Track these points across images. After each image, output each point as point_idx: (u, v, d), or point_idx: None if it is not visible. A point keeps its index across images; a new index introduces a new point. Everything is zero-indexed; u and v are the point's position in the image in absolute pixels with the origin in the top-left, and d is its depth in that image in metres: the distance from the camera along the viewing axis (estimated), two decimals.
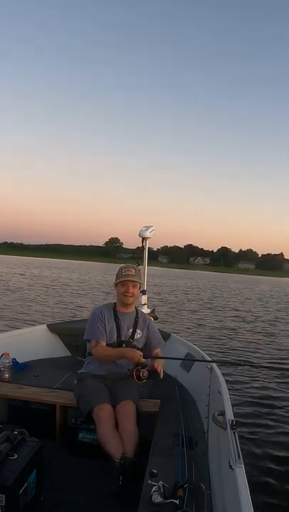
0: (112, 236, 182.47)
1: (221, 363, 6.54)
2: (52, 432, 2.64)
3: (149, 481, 1.68)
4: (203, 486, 1.69)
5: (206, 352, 3.48)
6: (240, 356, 7.26)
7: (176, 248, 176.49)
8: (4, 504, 1.63)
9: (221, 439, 1.90)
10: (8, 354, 3.07)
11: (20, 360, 3.33)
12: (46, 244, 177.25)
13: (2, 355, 3.06)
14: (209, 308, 16.35)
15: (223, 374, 2.73)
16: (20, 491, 1.71)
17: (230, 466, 1.53)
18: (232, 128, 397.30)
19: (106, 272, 41.70)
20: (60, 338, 4.02)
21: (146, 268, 4.39)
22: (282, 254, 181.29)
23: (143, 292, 4.22)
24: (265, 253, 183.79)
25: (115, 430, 2.32)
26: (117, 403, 2.45)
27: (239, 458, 1.54)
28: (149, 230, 4.32)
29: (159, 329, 3.13)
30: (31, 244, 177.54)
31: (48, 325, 4.11)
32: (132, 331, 2.75)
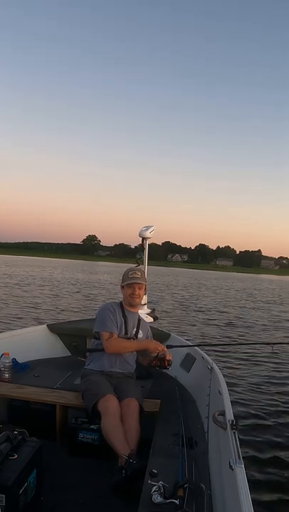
0: (90, 234, 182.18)
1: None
2: (52, 432, 2.64)
3: (149, 481, 1.68)
4: (203, 486, 1.69)
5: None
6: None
7: (154, 245, 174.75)
8: (4, 504, 1.63)
9: (221, 439, 1.89)
10: (8, 354, 3.07)
11: (20, 360, 3.33)
12: (23, 242, 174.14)
13: (2, 355, 3.06)
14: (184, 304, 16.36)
15: (223, 374, 2.73)
16: (21, 491, 1.72)
17: (231, 466, 1.53)
18: (209, 128, 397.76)
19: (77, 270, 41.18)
20: (60, 338, 4.02)
21: (146, 268, 4.39)
22: (260, 251, 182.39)
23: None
24: (243, 250, 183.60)
25: (121, 424, 2.33)
26: (121, 401, 2.47)
27: (239, 458, 1.54)
28: (149, 230, 4.32)
29: (158, 329, 3.14)
30: (7, 242, 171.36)
31: (48, 325, 4.11)
32: (136, 331, 2.85)
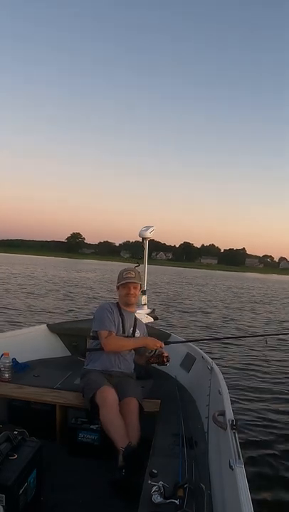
0: (74, 231, 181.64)
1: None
2: (52, 432, 2.64)
3: (149, 481, 1.68)
4: (203, 486, 1.69)
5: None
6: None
7: (138, 243, 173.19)
8: (4, 504, 1.63)
9: (221, 439, 1.90)
10: (8, 354, 3.07)
11: (20, 360, 3.33)
12: (7, 240, 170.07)
13: (2, 355, 3.06)
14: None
15: (223, 374, 2.73)
16: (21, 491, 1.71)
17: (231, 466, 1.53)
18: (198, 127, 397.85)
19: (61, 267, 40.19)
20: (60, 338, 4.02)
21: (146, 268, 4.40)
22: (244, 249, 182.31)
23: (143, 292, 4.23)
24: (228, 248, 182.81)
25: (120, 416, 2.34)
26: (121, 400, 2.47)
27: (239, 458, 1.54)
28: (149, 230, 4.32)
29: (158, 329, 3.14)
30: None
31: (48, 325, 4.11)
32: (133, 330, 2.88)
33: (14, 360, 3.18)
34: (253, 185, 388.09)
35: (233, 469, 1.50)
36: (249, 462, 3.19)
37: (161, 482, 1.64)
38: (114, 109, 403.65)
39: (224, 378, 2.65)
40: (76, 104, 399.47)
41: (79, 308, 12.50)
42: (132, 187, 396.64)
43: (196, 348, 3.65)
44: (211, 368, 2.88)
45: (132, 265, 3.47)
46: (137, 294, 2.91)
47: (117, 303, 2.93)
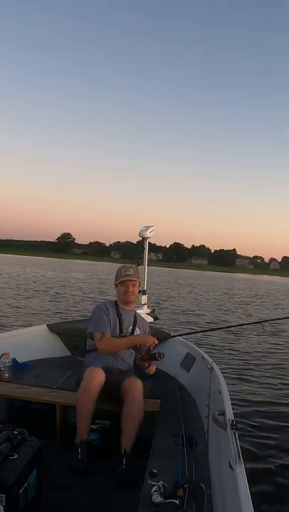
0: (65, 231, 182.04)
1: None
2: (52, 431, 2.64)
3: (149, 481, 1.68)
4: (203, 486, 1.69)
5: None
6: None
7: (128, 243, 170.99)
8: (4, 504, 1.63)
9: (221, 439, 1.90)
10: (8, 354, 3.07)
11: (20, 360, 3.33)
12: None
13: (2, 355, 3.06)
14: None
15: (223, 374, 2.73)
16: (21, 491, 1.71)
17: (231, 466, 1.53)
18: (185, 127, 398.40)
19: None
20: (60, 338, 4.02)
21: (146, 268, 4.40)
22: (234, 250, 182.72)
23: (143, 292, 4.23)
24: (218, 249, 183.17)
25: (94, 405, 2.39)
26: (123, 381, 2.52)
27: (239, 458, 1.55)
28: (149, 230, 4.32)
29: (159, 329, 3.13)
30: None
31: (48, 325, 4.11)
32: (132, 328, 2.84)
33: (14, 360, 3.18)
34: (244, 186, 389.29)
35: (233, 469, 1.51)
36: (249, 462, 3.18)
37: (161, 482, 1.65)
38: (104, 110, 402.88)
39: (224, 378, 2.65)
40: (65, 101, 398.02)
41: (67, 310, 12.01)
42: (123, 187, 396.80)
43: (196, 347, 3.66)
44: (211, 367, 2.88)
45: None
46: (136, 292, 2.87)
47: (116, 301, 2.89)
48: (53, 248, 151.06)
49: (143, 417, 2.41)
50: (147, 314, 4.14)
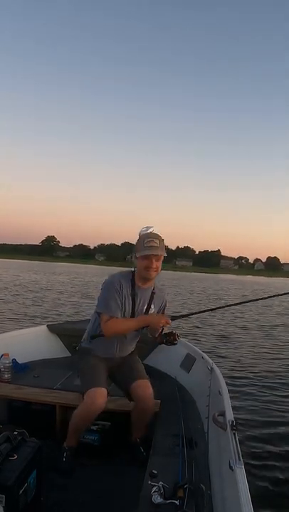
0: (49, 234, 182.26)
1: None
2: (52, 432, 2.64)
3: (149, 482, 1.68)
4: (203, 487, 1.69)
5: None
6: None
7: (113, 246, 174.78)
8: (4, 504, 1.63)
9: (221, 440, 1.90)
10: (8, 355, 3.07)
11: (20, 361, 3.33)
12: None
13: (2, 355, 3.06)
14: None
15: (223, 374, 2.73)
16: (21, 491, 1.71)
17: (231, 467, 1.53)
18: (165, 127, 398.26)
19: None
20: (60, 339, 4.02)
21: None
22: (219, 251, 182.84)
23: None
24: (203, 250, 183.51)
25: (90, 422, 2.40)
26: (132, 381, 2.41)
27: (239, 459, 1.55)
28: (150, 231, 4.31)
29: None
30: None
31: (48, 325, 4.12)
32: (147, 307, 2.45)
33: (14, 361, 3.18)
34: (229, 186, 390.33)
35: (233, 470, 1.51)
36: (249, 463, 3.18)
37: (161, 482, 1.65)
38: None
39: (224, 379, 2.65)
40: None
41: (46, 315, 11.32)
42: (107, 190, 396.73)
43: (196, 348, 3.66)
44: (211, 368, 2.88)
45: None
46: (159, 267, 2.40)
47: (132, 274, 2.45)
48: (37, 251, 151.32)
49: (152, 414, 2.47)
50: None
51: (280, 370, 6.53)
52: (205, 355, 3.35)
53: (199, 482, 1.73)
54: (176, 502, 1.57)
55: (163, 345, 2.39)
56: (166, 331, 2.36)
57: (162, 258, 2.40)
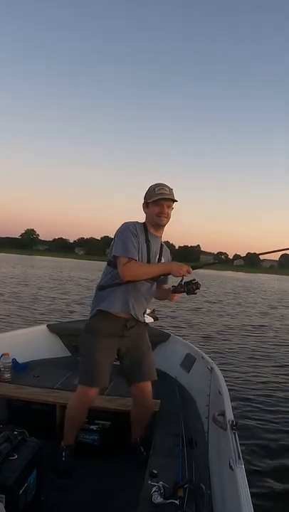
0: (28, 227, 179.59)
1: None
2: (52, 432, 2.64)
3: (149, 481, 1.68)
4: (203, 487, 1.69)
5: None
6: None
7: (92, 240, 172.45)
8: (4, 504, 1.63)
9: (221, 440, 1.90)
10: (8, 354, 3.07)
11: (20, 361, 3.33)
12: None
13: (2, 355, 3.06)
14: None
15: (223, 374, 2.73)
16: (21, 491, 1.71)
17: (231, 467, 1.53)
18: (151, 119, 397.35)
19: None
20: (60, 338, 4.02)
21: None
22: (198, 246, 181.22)
23: None
24: (182, 245, 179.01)
25: (84, 415, 2.43)
26: (135, 380, 2.41)
27: (239, 458, 1.55)
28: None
29: (158, 329, 3.07)
30: None
31: (48, 325, 4.11)
32: (158, 258, 2.43)
33: (14, 361, 3.18)
34: (208, 182, 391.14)
35: (233, 469, 1.51)
36: (249, 462, 3.18)
37: (161, 482, 1.65)
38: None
39: (224, 378, 2.65)
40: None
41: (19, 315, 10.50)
42: (87, 184, 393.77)
43: (196, 348, 3.66)
44: (211, 368, 2.88)
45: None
46: (170, 214, 2.37)
47: (144, 223, 2.40)
48: (17, 244, 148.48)
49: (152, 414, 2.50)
50: (147, 314, 4.14)
51: (281, 369, 6.54)
52: (205, 355, 3.35)
53: (199, 482, 1.73)
54: (176, 502, 1.57)
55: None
56: (186, 279, 2.27)
57: (172, 207, 2.38)
